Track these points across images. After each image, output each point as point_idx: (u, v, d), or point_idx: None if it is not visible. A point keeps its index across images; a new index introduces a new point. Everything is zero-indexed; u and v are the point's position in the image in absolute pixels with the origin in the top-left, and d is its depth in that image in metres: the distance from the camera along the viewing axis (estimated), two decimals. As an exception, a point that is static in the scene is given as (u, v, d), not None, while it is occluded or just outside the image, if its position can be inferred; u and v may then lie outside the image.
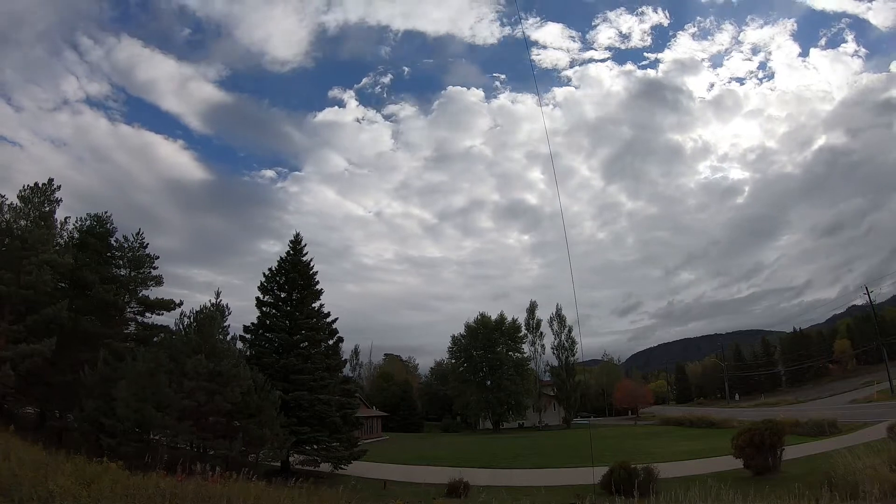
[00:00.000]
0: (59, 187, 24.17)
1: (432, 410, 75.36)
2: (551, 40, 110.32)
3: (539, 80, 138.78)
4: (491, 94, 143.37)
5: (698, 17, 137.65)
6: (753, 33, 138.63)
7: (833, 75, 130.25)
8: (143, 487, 8.38)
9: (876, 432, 22.24)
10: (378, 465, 26.53)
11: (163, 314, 26.04)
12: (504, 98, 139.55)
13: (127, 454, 14.56)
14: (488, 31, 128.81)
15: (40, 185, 23.44)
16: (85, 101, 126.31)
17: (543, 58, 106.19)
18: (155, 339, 24.04)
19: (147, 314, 26.18)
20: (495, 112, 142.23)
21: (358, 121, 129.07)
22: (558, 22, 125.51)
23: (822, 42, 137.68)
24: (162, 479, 9.40)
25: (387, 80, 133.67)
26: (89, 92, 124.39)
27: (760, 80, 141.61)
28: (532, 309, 70.85)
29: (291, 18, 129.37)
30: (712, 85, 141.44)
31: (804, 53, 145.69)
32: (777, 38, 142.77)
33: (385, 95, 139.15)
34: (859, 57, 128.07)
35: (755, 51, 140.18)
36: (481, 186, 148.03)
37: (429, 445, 43.30)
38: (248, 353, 24.39)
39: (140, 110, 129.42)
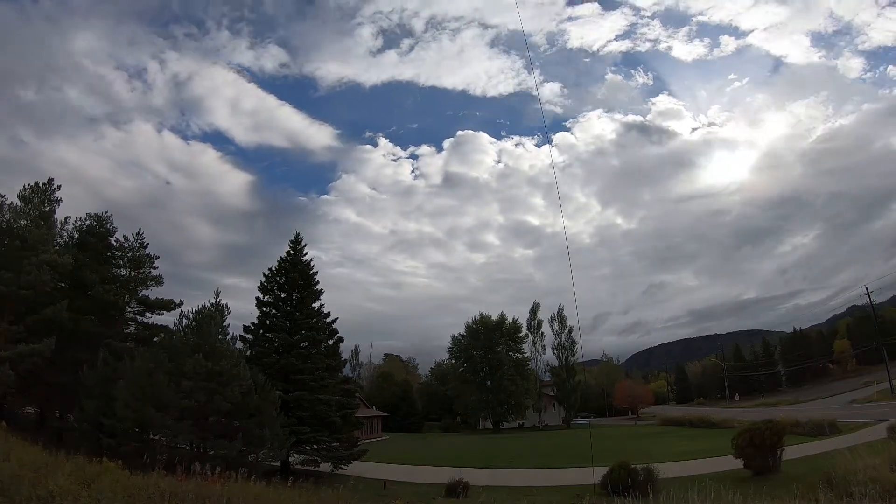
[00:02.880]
0: (59, 187, 24.19)
1: (432, 410, 75.29)
2: (550, 96, 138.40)
3: (540, 126, 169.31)
4: (497, 137, 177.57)
5: (680, 76, 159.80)
6: (732, 87, 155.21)
7: (808, 119, 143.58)
8: (143, 487, 8.39)
9: (876, 432, 22.25)
10: (378, 465, 26.51)
11: (163, 314, 26.07)
12: (508, 141, 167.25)
13: (127, 454, 14.55)
14: (495, 90, 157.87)
15: (40, 185, 23.45)
16: (134, 110, 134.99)
17: (544, 109, 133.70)
18: (155, 339, 24.02)
19: (147, 314, 26.18)
20: (500, 151, 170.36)
21: (384, 156, 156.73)
22: (557, 81, 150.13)
23: (798, 90, 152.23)
24: (162, 478, 9.41)
25: (414, 126, 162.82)
26: (137, 102, 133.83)
27: (740, 123, 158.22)
28: (534, 310, 70.91)
29: (338, 66, 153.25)
30: (695, 129, 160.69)
31: (780, 103, 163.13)
32: (754, 89, 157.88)
33: (409, 137, 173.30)
34: (832, 102, 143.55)
35: (734, 101, 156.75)
36: (486, 209, 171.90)
37: (429, 445, 43.33)
38: (248, 353, 24.35)
39: (190, 122, 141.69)
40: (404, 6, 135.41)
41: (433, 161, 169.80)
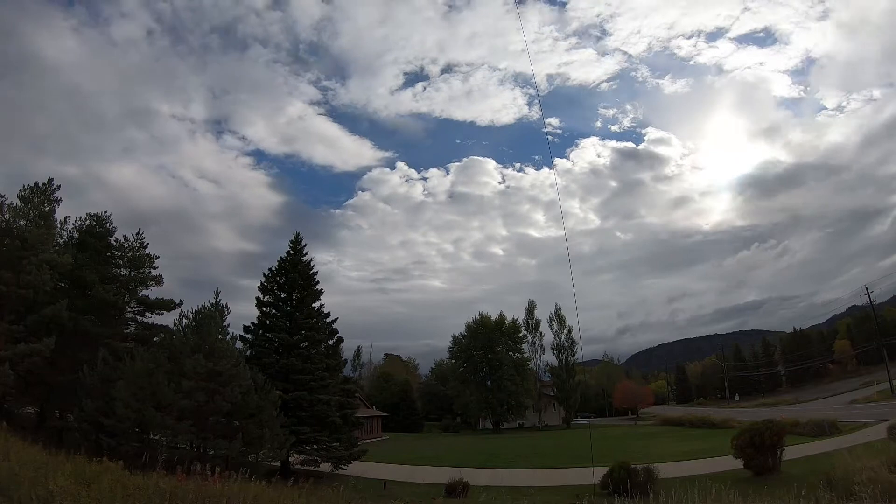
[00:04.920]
0: (58, 187, 24.13)
1: (432, 410, 75.31)
2: (549, 128, 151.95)
3: (541, 152, 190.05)
4: (502, 161, 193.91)
5: (669, 109, 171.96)
6: (719, 117, 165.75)
7: (793, 141, 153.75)
8: (143, 487, 8.38)
9: (876, 433, 22.27)
10: (378, 465, 26.52)
11: (163, 314, 26.01)
12: (511, 166, 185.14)
13: (127, 454, 14.55)
14: (500, 122, 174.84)
15: (40, 185, 23.41)
16: (172, 117, 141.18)
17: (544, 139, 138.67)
18: (155, 339, 24.00)
19: (147, 314, 26.15)
20: (504, 174, 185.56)
21: (399, 177, 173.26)
22: (556, 115, 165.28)
23: (780, 117, 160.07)
24: (162, 478, 9.41)
25: (426, 152, 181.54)
26: (174, 112, 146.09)
27: (728, 146, 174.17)
28: (531, 309, 70.81)
29: (364, 100, 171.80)
30: (685, 155, 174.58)
31: (763, 129, 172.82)
32: (740, 117, 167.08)
33: (422, 161, 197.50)
34: (813, 130, 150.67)
35: (720, 130, 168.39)
36: (491, 224, 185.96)
37: (429, 445, 43.32)
38: (248, 353, 24.35)
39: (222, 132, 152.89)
40: (424, 54, 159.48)
41: (442, 182, 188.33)
